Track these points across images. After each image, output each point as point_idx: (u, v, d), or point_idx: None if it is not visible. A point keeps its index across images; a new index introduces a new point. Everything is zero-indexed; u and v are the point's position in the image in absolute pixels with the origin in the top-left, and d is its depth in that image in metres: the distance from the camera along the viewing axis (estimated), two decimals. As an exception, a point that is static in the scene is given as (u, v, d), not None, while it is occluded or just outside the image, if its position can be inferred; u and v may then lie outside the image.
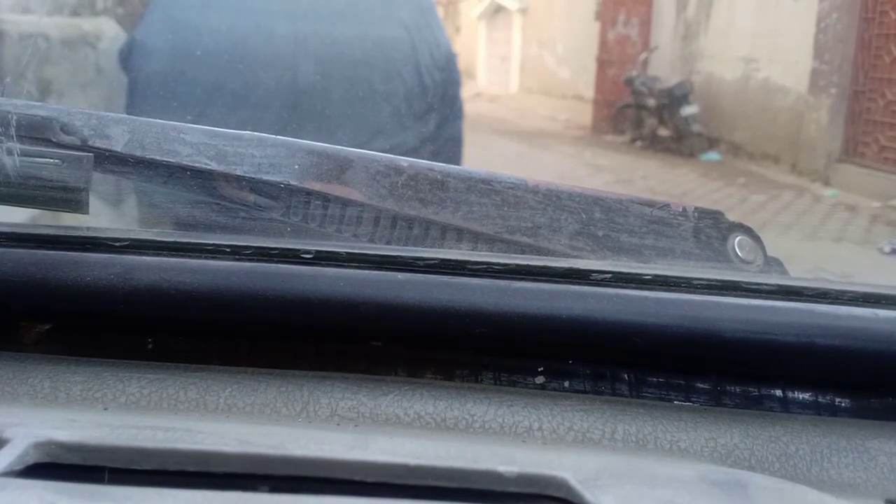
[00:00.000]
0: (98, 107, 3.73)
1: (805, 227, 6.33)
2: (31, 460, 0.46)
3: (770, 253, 0.78)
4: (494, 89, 17.32)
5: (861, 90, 7.62)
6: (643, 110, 10.20)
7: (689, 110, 9.48)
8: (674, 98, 9.60)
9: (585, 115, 12.10)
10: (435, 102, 3.93)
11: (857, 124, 7.64)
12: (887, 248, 5.54)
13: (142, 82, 3.50)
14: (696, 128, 9.44)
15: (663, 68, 10.82)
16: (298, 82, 3.62)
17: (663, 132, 9.91)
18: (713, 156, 9.27)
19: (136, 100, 3.46)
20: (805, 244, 5.78)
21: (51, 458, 0.47)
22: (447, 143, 4.01)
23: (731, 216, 0.79)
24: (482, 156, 7.85)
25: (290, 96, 3.63)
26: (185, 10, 3.70)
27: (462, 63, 5.98)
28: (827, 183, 7.63)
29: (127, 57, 3.61)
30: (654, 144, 9.97)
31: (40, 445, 0.47)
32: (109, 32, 4.02)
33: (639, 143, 10.24)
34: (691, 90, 9.65)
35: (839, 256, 5.51)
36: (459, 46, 17.77)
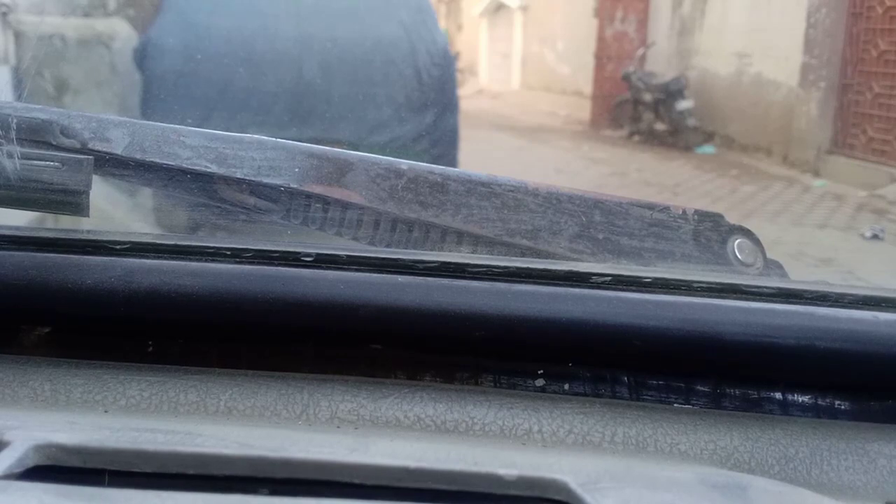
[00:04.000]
0: (113, 105, 3.79)
1: (792, 215, 6.41)
2: (31, 463, 0.46)
3: (755, 238, 0.78)
4: (496, 86, 17.29)
5: (849, 83, 7.69)
6: (640, 105, 10.21)
7: (684, 105, 9.51)
8: (669, 93, 9.63)
9: (585, 110, 12.11)
10: (432, 97, 4.00)
11: (845, 117, 7.70)
12: (868, 234, 5.64)
13: (156, 81, 3.58)
14: (691, 122, 9.47)
15: (660, 64, 10.84)
16: (305, 80, 3.71)
17: (660, 126, 9.93)
18: (708, 149, 9.30)
19: (151, 98, 3.53)
20: (790, 230, 5.86)
21: (51, 460, 0.47)
22: (444, 135, 4.08)
23: (722, 206, 0.79)
24: (484, 150, 7.87)
25: (297, 93, 3.71)
26: (198, 12, 3.80)
27: (464, 60, 6.12)
28: (817, 174, 7.68)
29: (142, 56, 3.69)
30: (650, 138, 9.98)
31: (40, 448, 0.47)
32: (122, 33, 4.06)
33: (636, 138, 10.25)
34: (686, 85, 9.68)
35: (822, 242, 5.60)
36: (461, 44, 17.75)
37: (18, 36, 3.52)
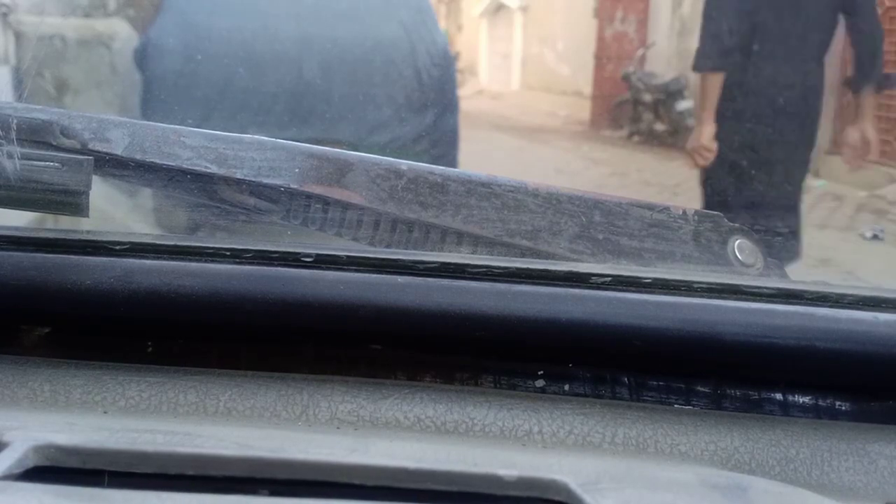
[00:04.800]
0: (114, 105, 3.80)
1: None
2: (30, 464, 0.46)
3: (755, 238, 0.78)
4: (496, 86, 17.27)
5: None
6: (640, 106, 10.21)
7: (684, 105, 9.51)
8: (669, 93, 9.63)
9: (584, 110, 12.11)
10: (432, 97, 4.00)
11: (845, 117, 7.70)
12: (868, 234, 5.63)
13: (156, 81, 3.58)
14: (691, 122, 9.45)
15: (660, 64, 10.83)
16: (305, 80, 3.72)
17: (660, 127, 9.93)
18: (708, 149, 9.29)
19: (151, 98, 3.53)
20: (790, 230, 5.83)
21: (50, 461, 0.47)
22: (444, 135, 4.09)
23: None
24: (484, 151, 7.88)
25: (297, 93, 3.72)
26: (198, 12, 3.80)
27: (464, 61, 6.19)
28: (816, 174, 7.67)
29: (142, 57, 3.69)
30: (650, 139, 9.98)
31: (40, 449, 0.47)
32: (122, 33, 4.06)
33: (636, 138, 10.25)
34: (686, 86, 9.67)
35: (821, 242, 5.58)
36: (461, 44, 17.71)
37: (18, 36, 3.52)
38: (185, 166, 0.71)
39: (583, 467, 0.55)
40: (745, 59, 2.99)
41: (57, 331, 0.66)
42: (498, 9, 17.58)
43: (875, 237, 5.60)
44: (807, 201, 6.72)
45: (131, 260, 0.65)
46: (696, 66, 3.20)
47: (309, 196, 0.73)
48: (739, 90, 2.99)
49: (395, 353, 0.66)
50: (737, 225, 0.77)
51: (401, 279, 0.64)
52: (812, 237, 5.66)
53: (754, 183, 2.89)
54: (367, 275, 0.65)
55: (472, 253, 0.74)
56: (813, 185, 7.37)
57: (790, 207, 2.95)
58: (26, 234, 0.68)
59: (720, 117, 3.01)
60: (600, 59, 11.83)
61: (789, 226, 2.89)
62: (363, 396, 0.62)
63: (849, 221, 6.21)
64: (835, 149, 7.69)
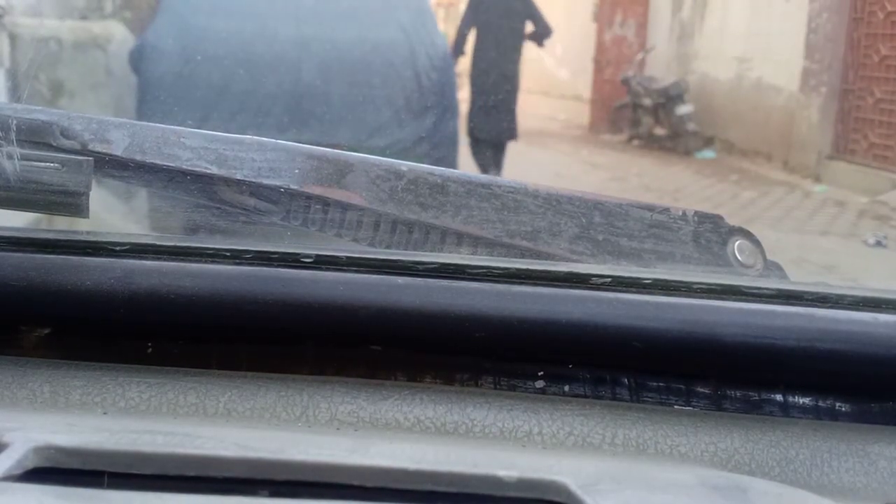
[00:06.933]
0: (110, 108, 3.80)
1: (793, 221, 6.41)
2: (30, 465, 0.46)
3: (755, 239, 0.78)
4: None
5: (850, 89, 7.71)
6: (640, 110, 10.23)
7: (684, 109, 9.52)
8: (669, 97, 9.64)
9: (584, 114, 12.12)
10: (432, 100, 4.01)
11: (846, 122, 7.73)
12: (871, 241, 5.62)
13: (153, 84, 3.58)
14: (691, 126, 9.48)
15: (659, 68, 10.85)
16: (304, 83, 3.71)
17: (659, 131, 9.94)
18: (708, 154, 9.31)
19: (147, 101, 3.53)
20: (791, 237, 5.84)
21: (50, 462, 0.47)
22: (444, 138, 4.10)
23: (722, 211, 0.79)
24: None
25: (296, 96, 3.72)
26: (195, 14, 3.80)
27: (464, 64, 6.51)
28: (818, 179, 7.70)
29: (138, 59, 3.69)
30: (650, 143, 10.00)
31: (40, 450, 0.47)
32: (118, 35, 4.07)
33: (635, 142, 10.26)
34: (686, 90, 9.69)
35: (824, 248, 5.58)
36: (462, 47, 17.63)
37: (14, 39, 3.53)
38: (185, 167, 0.71)
39: (583, 468, 0.54)
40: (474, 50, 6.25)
41: (57, 331, 0.66)
42: (498, 12, 17.55)
43: (878, 244, 5.58)
44: (808, 207, 6.74)
45: (131, 261, 0.65)
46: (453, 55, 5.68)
47: (309, 197, 0.74)
48: (474, 67, 6.32)
49: (395, 353, 0.66)
50: (736, 226, 0.77)
51: (401, 280, 0.64)
52: (814, 243, 5.65)
53: (489, 108, 6.22)
54: (366, 275, 0.65)
55: (472, 254, 0.74)
56: (814, 191, 7.37)
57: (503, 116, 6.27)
58: (26, 234, 0.68)
59: (471, 79, 6.40)
60: (599, 62, 11.85)
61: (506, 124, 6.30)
62: (363, 397, 0.62)
63: (851, 228, 6.20)
64: (835, 153, 7.71)
